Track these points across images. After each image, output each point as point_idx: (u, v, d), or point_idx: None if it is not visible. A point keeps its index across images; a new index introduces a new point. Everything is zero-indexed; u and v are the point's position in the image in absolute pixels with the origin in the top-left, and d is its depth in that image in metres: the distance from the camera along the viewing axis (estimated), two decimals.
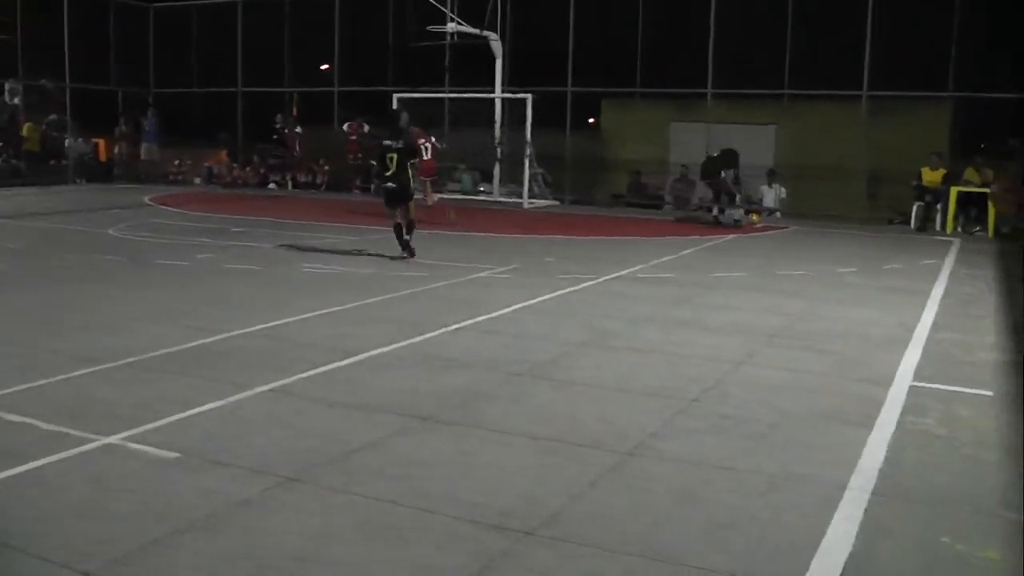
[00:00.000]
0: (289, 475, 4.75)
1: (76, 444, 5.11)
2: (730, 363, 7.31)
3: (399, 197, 12.49)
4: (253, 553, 3.89)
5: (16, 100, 25.86)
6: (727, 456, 5.19)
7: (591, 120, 25.16)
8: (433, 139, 18.36)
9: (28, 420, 5.50)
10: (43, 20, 25.86)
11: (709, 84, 21.24)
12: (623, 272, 11.86)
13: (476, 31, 21.67)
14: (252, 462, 4.92)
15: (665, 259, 13.30)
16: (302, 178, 26.28)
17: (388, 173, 12.38)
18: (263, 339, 7.80)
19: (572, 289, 10.54)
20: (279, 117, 26.31)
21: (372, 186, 24.71)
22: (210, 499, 4.43)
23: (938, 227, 18.51)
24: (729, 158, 18.55)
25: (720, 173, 18.47)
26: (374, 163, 13.41)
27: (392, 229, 12.71)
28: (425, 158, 16.53)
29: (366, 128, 24.84)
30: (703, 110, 21.52)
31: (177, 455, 4.99)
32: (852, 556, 3.97)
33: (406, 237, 12.61)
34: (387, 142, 12.48)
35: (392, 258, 12.58)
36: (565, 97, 22.64)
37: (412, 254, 12.55)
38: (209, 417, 5.68)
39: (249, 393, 6.16)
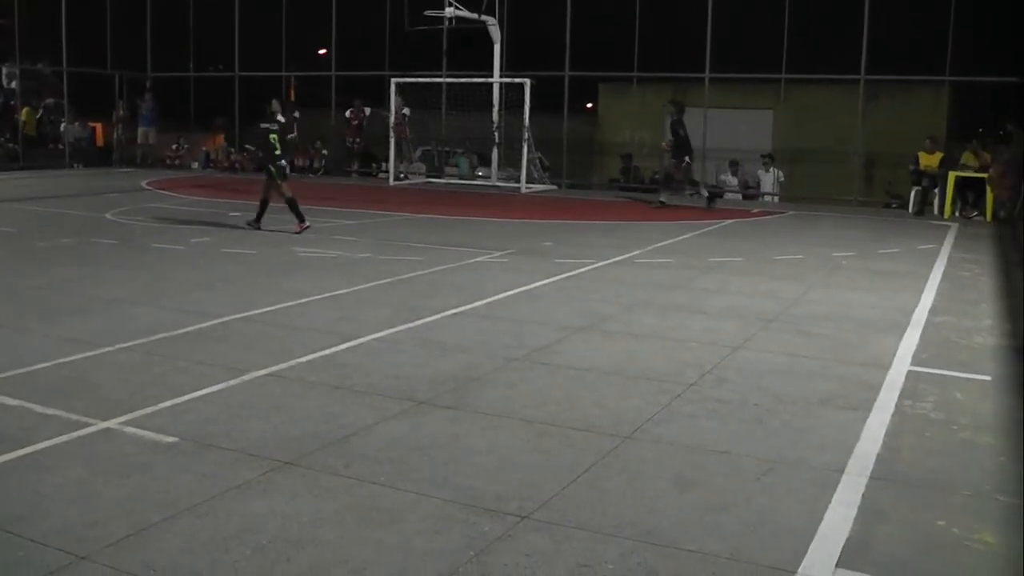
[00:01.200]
0: (285, 459, 4.74)
1: (72, 428, 5.10)
2: (727, 347, 7.30)
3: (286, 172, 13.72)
4: (248, 537, 3.88)
5: (13, 84, 25.78)
6: (723, 440, 5.19)
7: (588, 105, 25.13)
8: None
9: (23, 404, 5.49)
10: (40, 4, 25.76)
11: (707, 69, 21.17)
12: (620, 257, 11.84)
13: (474, 15, 21.60)
14: (248, 446, 4.91)
15: (662, 244, 13.29)
16: (299, 162, 26.21)
17: (277, 152, 13.53)
18: (259, 324, 7.79)
19: (569, 274, 10.52)
20: (274, 101, 26.18)
21: (372, 170, 24.74)
22: (206, 483, 4.42)
23: (936, 211, 18.50)
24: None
25: (685, 159, 18.47)
26: (252, 147, 14.80)
27: (287, 204, 13.45)
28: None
29: (367, 112, 24.85)
30: (700, 95, 21.47)
31: (174, 439, 4.98)
32: (849, 540, 3.96)
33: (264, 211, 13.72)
34: (264, 125, 13.70)
35: (296, 233, 13.13)
36: (562, 82, 22.57)
37: (304, 222, 13.37)
38: (206, 402, 5.67)
39: (246, 378, 6.15)
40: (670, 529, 4.05)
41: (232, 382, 6.05)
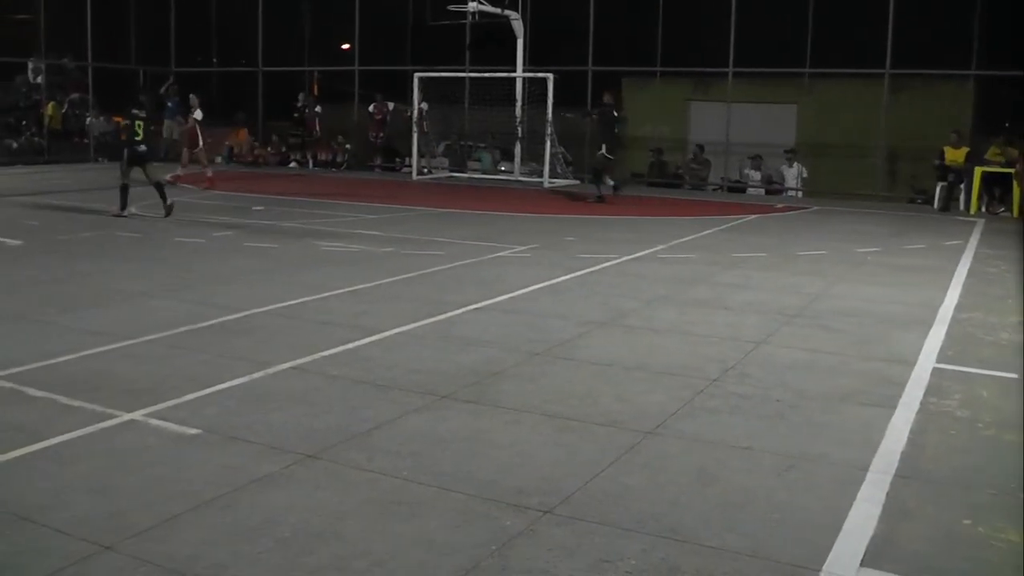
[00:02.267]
0: (308, 452, 4.76)
1: (96, 420, 5.14)
2: (749, 343, 7.27)
3: (144, 158, 14.25)
4: (270, 529, 3.90)
5: (39, 79, 25.95)
6: (745, 436, 5.17)
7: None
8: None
9: (48, 395, 5.54)
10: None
11: (730, 63, 21.06)
12: (642, 252, 11.82)
13: (497, 10, 21.57)
14: (271, 439, 4.93)
15: (685, 239, 13.25)
16: (323, 156, 26.31)
17: (138, 138, 14.20)
18: (281, 317, 7.82)
19: (591, 269, 10.51)
20: (300, 96, 26.36)
21: (396, 164, 24.80)
22: (229, 475, 4.44)
23: (961, 207, 18.35)
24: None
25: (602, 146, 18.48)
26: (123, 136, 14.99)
27: (119, 189, 14.12)
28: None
29: (390, 106, 24.90)
30: (723, 89, 21.37)
31: (197, 431, 5.01)
32: (874, 538, 3.94)
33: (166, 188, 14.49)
34: (135, 111, 14.32)
35: (164, 217, 13.86)
36: (586, 76, 22.51)
37: (170, 210, 14.07)
38: (229, 394, 5.69)
39: (269, 371, 6.17)
40: (692, 525, 4.04)
41: (255, 375, 6.07)
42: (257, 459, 4.66)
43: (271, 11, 26.69)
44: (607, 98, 18.74)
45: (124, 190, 14.10)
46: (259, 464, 4.59)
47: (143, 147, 14.28)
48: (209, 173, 19.39)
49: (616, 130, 18.80)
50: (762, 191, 21.39)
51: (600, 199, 18.04)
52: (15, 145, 24.93)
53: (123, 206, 14.08)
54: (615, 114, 18.86)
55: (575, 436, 5.12)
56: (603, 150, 18.42)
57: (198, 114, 19.51)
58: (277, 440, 4.92)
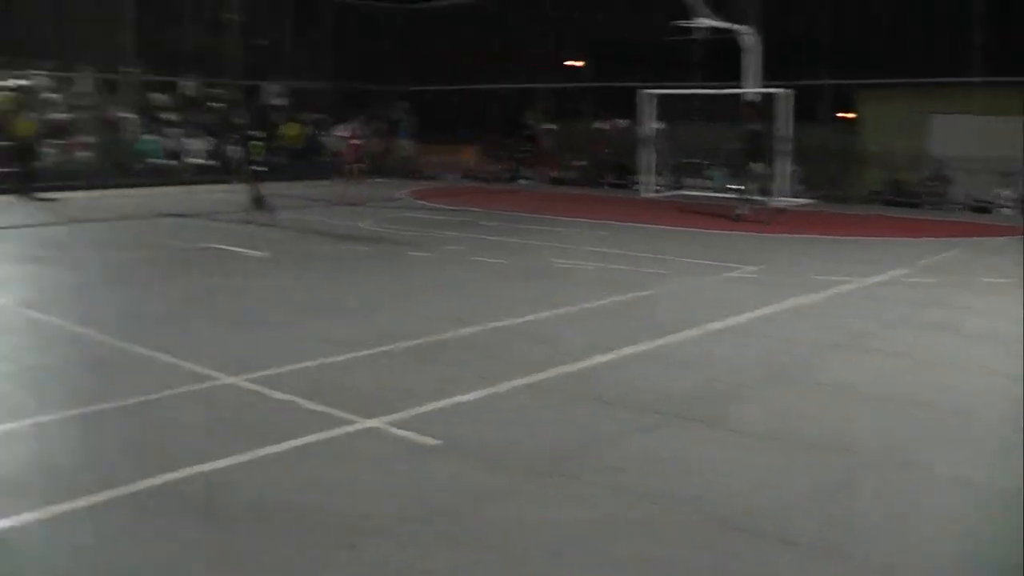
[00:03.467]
0: (539, 468, 4.82)
1: (337, 424, 5.40)
2: (997, 376, 6.80)
3: (262, 175, 16.19)
4: (501, 542, 3.95)
5: (279, 100, 27.55)
6: (997, 477, 4.82)
7: (845, 114, 24.15)
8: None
9: (292, 399, 5.86)
10: (305, 24, 27.42)
11: (977, 72, 19.80)
12: (880, 274, 11.30)
13: (727, 25, 21.24)
14: (503, 453, 5.03)
15: (925, 261, 12.58)
16: (552, 173, 26.64)
17: (259, 158, 16.18)
18: (509, 333, 7.95)
19: (827, 292, 10.14)
20: (529, 113, 26.84)
21: (626, 181, 24.87)
22: (462, 486, 4.57)
23: None
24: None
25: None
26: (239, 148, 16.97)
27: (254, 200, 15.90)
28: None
29: (620, 124, 25.00)
30: (968, 101, 20.12)
31: (436, 442, 5.15)
32: None
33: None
34: (252, 133, 16.37)
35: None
36: (820, 91, 21.80)
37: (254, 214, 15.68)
38: (465, 408, 5.84)
39: (501, 387, 6.27)
40: (928, 554, 3.80)
41: (489, 390, 6.19)
42: (490, 472, 4.77)
43: (504, 31, 27.30)
44: (751, 107, 17.95)
45: (258, 200, 15.89)
46: (492, 477, 4.70)
47: (263, 167, 16.20)
48: (355, 190, 20.56)
49: (759, 143, 17.98)
50: (1014, 211, 19.91)
51: (740, 217, 17.38)
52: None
53: (260, 209, 15.77)
54: (756, 127, 18.06)
55: (808, 462, 4.95)
56: (752, 164, 17.74)
57: (344, 130, 20.99)
58: (509, 454, 5.01)
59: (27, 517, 4.12)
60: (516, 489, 4.55)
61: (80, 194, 19.88)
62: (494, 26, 27.19)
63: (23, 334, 7.82)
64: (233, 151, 18.86)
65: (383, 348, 7.24)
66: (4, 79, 22.52)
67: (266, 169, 16.56)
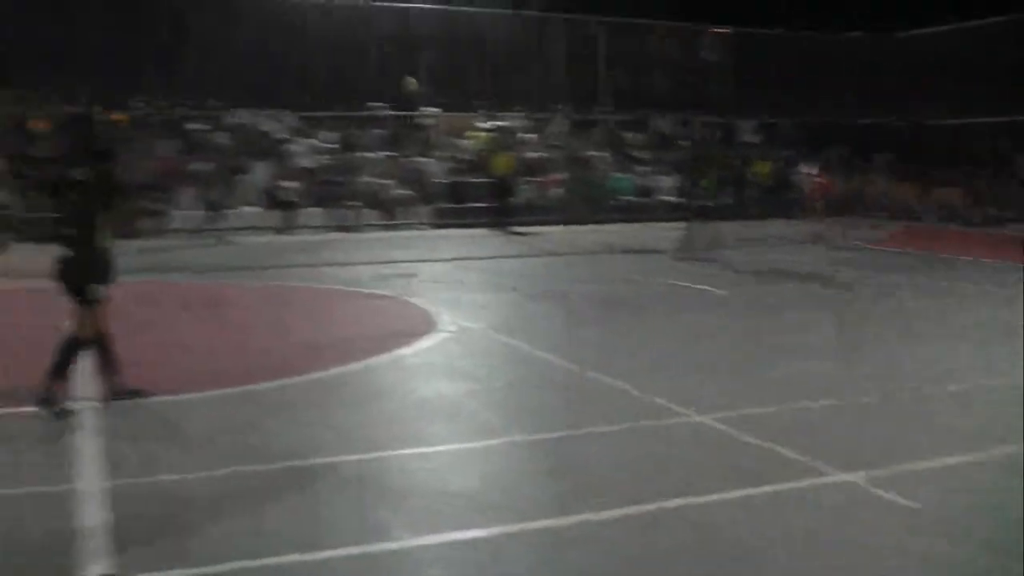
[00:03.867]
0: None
1: (808, 475, 5.12)
2: None
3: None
4: None
5: (751, 137, 27.42)
6: None
7: None
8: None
9: (760, 443, 5.67)
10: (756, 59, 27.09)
11: None
12: None
13: None
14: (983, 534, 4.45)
15: None
16: None
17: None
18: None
19: None
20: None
21: None
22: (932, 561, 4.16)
23: None
24: None
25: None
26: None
27: None
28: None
29: None
30: None
31: (915, 506, 4.70)
32: None
33: None
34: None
35: None
36: None
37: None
38: (951, 471, 5.28)
39: (981, 454, 5.58)
40: None
41: (973, 455, 5.53)
42: (965, 550, 4.25)
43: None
44: None
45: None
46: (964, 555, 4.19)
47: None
48: (823, 229, 19.75)
49: None
50: None
51: None
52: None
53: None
54: None
55: None
56: None
57: (809, 167, 20.28)
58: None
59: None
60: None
61: (553, 228, 21.00)
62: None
63: (494, 355, 8.44)
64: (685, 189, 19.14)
65: (863, 400, 6.76)
66: (483, 121, 24.75)
67: (711, 205, 16.22)
